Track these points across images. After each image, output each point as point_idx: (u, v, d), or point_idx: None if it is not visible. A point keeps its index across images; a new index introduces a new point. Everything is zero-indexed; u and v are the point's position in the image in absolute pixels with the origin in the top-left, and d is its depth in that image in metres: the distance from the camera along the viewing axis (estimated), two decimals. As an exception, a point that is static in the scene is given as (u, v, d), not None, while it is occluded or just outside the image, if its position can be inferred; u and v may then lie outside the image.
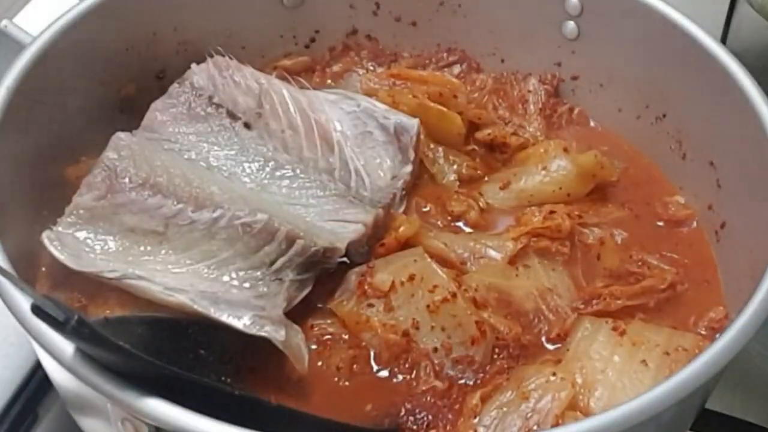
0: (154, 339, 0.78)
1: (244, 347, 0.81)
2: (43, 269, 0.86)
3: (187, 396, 0.67)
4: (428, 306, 0.85)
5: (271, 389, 0.82)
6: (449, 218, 0.97)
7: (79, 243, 0.85)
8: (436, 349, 0.84)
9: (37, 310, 0.63)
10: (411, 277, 0.87)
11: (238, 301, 0.83)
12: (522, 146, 1.02)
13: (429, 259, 0.88)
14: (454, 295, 0.85)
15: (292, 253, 0.85)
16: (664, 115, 1.02)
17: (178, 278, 0.83)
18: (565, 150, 0.99)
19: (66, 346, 0.69)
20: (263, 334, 0.80)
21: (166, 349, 0.76)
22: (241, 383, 0.81)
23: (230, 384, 0.80)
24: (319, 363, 0.85)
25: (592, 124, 1.09)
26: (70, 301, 0.84)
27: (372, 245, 0.91)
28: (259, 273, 0.85)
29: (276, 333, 0.81)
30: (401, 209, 0.95)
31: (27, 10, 1.23)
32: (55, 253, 0.83)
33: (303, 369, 0.82)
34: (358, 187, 0.93)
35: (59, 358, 0.69)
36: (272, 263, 0.85)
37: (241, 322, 0.81)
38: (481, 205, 0.98)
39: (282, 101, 0.97)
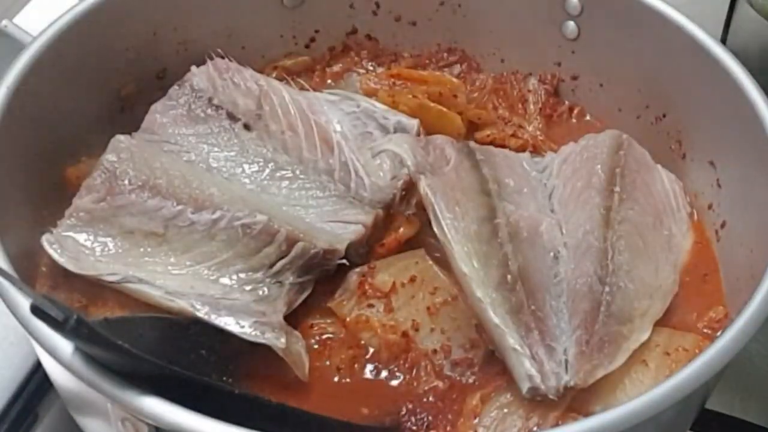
0: (154, 339, 0.78)
1: (244, 347, 0.81)
2: (43, 269, 0.86)
3: (187, 396, 0.67)
4: (428, 308, 0.85)
5: (272, 389, 0.82)
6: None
7: (78, 245, 0.85)
8: (435, 351, 0.84)
9: (36, 310, 0.63)
10: (412, 279, 0.87)
11: (239, 306, 0.82)
12: (521, 147, 1.02)
13: (430, 261, 0.88)
14: (454, 298, 0.85)
15: (292, 255, 0.85)
16: (664, 115, 1.02)
17: (179, 280, 0.83)
18: None
19: (66, 346, 0.69)
20: (264, 341, 0.80)
21: (166, 349, 0.76)
22: (241, 383, 0.81)
23: (231, 384, 0.80)
24: (319, 363, 0.85)
25: (591, 123, 1.09)
26: (70, 302, 0.84)
27: (372, 245, 0.91)
28: (259, 275, 0.85)
29: (276, 340, 0.80)
30: (401, 210, 0.95)
31: (27, 10, 1.23)
32: (55, 257, 0.83)
33: (303, 376, 0.82)
34: (357, 188, 0.93)
35: (59, 358, 0.69)
36: (272, 265, 0.85)
37: (242, 329, 0.80)
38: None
39: (282, 103, 0.97)
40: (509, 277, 0.82)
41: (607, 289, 0.84)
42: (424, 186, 0.87)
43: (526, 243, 0.86)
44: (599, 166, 0.93)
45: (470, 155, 0.92)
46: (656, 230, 0.92)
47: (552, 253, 0.87)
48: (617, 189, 0.91)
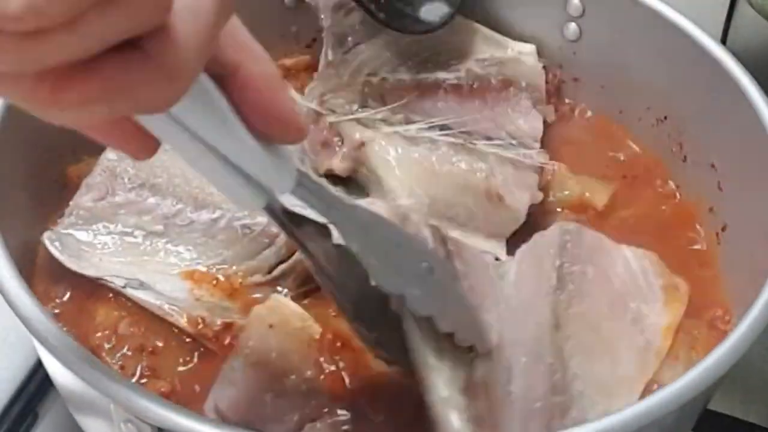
0: None
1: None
2: (43, 267, 0.86)
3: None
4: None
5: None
6: (451, 219, 0.97)
7: (79, 243, 0.85)
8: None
9: None
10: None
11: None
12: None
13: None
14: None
15: (293, 261, 0.85)
16: (665, 117, 1.02)
17: (178, 281, 0.83)
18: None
19: (66, 345, 0.69)
20: None
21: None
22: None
23: None
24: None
25: (592, 124, 1.09)
26: (70, 298, 0.85)
27: (373, 245, 0.91)
28: (258, 277, 0.85)
29: None
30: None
31: (26, 9, 1.23)
32: (56, 254, 0.83)
33: None
34: (359, 188, 0.93)
35: (60, 357, 0.69)
36: (271, 269, 0.85)
37: None
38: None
39: (283, 104, 0.97)
40: (474, 383, 0.73)
41: (560, 399, 0.76)
42: None
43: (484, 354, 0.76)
44: (548, 268, 0.83)
45: (443, 243, 0.81)
46: (615, 317, 0.83)
47: (507, 368, 0.77)
48: (570, 287, 0.82)
